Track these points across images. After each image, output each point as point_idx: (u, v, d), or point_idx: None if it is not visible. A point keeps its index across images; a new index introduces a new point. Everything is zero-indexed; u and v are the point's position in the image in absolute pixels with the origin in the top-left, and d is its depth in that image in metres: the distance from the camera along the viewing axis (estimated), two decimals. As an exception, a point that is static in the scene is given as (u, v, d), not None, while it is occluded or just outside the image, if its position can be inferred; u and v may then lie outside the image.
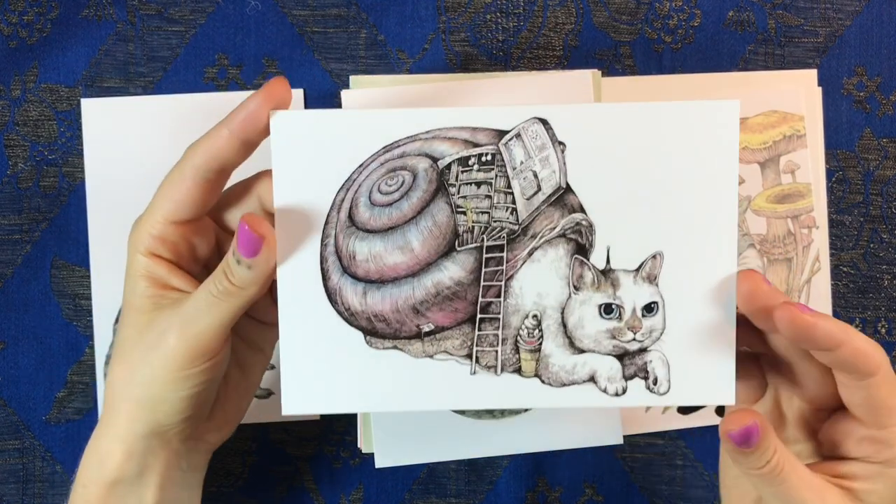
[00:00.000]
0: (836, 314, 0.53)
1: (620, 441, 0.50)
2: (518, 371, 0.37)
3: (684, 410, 0.53)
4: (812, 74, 0.53)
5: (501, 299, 0.37)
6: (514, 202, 0.37)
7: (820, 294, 0.53)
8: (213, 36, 0.53)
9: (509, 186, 0.37)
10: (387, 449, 0.50)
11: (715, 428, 0.53)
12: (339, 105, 0.51)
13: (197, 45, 0.53)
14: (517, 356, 0.37)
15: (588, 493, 0.53)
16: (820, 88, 0.53)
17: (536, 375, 0.37)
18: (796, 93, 0.53)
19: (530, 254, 0.37)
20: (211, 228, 0.42)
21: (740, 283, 0.37)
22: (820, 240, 0.53)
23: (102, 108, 0.52)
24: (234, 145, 0.38)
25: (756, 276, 0.37)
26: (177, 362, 0.39)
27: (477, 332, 0.37)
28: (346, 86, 0.52)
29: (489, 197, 0.37)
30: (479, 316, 0.37)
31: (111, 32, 0.53)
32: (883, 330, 0.54)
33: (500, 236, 0.37)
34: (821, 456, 0.42)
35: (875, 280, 0.54)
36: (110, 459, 0.41)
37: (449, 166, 0.37)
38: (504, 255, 0.37)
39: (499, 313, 0.37)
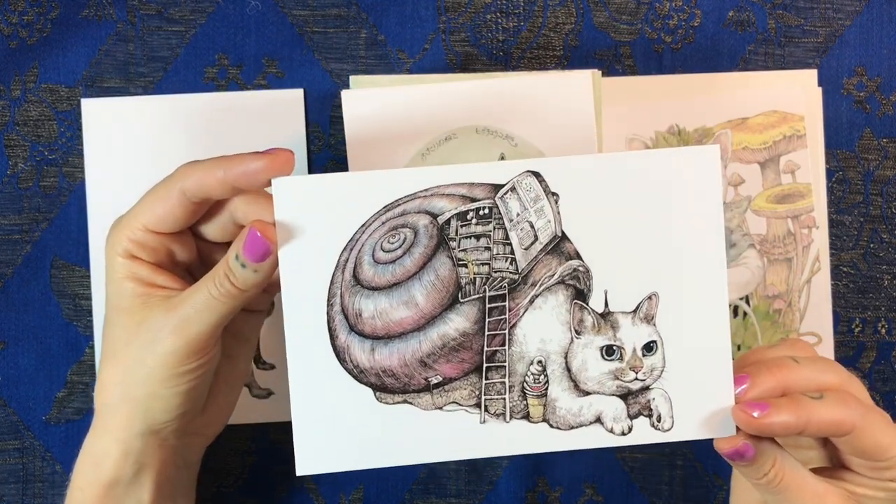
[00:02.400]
0: (836, 314, 0.53)
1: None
2: (526, 417, 0.39)
3: None
4: (812, 74, 0.53)
5: (506, 347, 0.38)
6: (512, 252, 0.38)
7: (820, 294, 0.53)
8: (214, 36, 0.53)
9: (507, 238, 0.38)
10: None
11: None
12: (339, 105, 0.51)
13: (197, 45, 0.53)
14: (524, 402, 0.39)
15: (588, 493, 0.53)
16: (820, 88, 0.53)
17: (544, 420, 0.39)
18: (796, 93, 0.53)
19: (531, 301, 0.38)
20: (190, 236, 0.42)
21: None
22: (820, 240, 0.53)
23: (102, 108, 0.52)
24: (224, 188, 0.39)
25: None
26: (173, 360, 0.39)
27: (484, 381, 0.38)
28: (347, 86, 0.52)
29: (489, 249, 0.38)
30: (485, 365, 0.38)
31: (111, 32, 0.53)
32: (883, 330, 0.54)
33: (501, 286, 0.38)
34: (831, 462, 0.42)
35: (875, 280, 0.54)
36: (107, 460, 0.41)
37: (448, 221, 0.38)
38: (506, 304, 0.38)
39: (504, 361, 0.38)
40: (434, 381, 0.38)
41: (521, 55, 0.53)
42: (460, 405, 0.38)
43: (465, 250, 0.38)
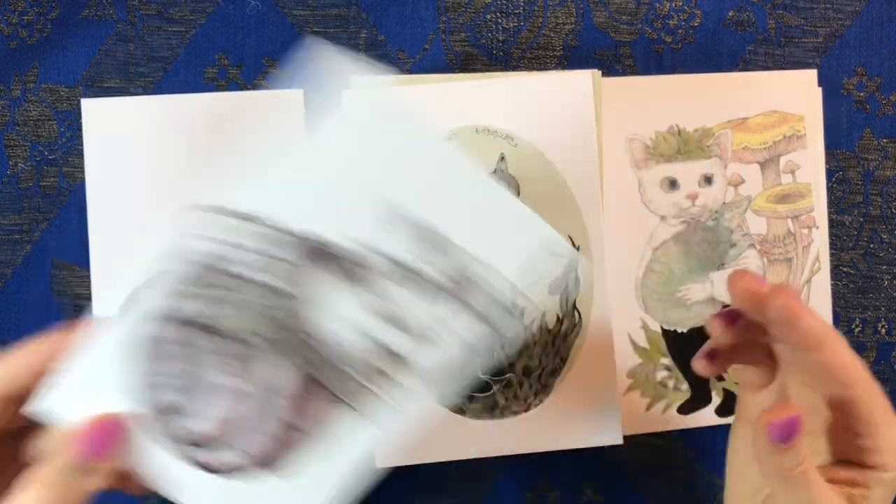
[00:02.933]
0: (835, 314, 0.53)
1: (620, 441, 0.50)
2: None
3: (684, 410, 0.53)
4: (812, 74, 0.53)
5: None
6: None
7: (820, 294, 0.53)
8: (214, 36, 0.53)
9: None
10: (386, 449, 0.50)
11: (714, 428, 0.53)
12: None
13: (197, 46, 0.53)
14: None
15: (588, 493, 0.53)
16: (820, 88, 0.53)
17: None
18: (796, 93, 0.53)
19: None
20: None
21: (734, 281, 0.37)
22: (820, 240, 0.53)
23: (102, 108, 0.52)
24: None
25: (745, 274, 0.37)
26: None
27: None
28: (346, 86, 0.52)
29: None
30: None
31: (111, 32, 0.53)
32: (883, 330, 0.54)
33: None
34: (831, 457, 0.41)
35: (875, 280, 0.54)
36: None
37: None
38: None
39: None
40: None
41: (521, 55, 0.53)
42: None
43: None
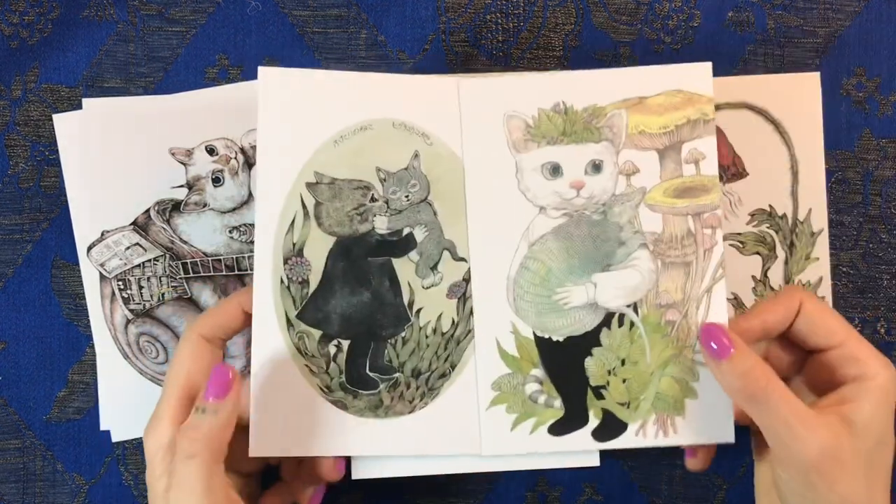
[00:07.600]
0: (835, 314, 0.54)
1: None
2: None
3: (555, 430, 0.48)
4: (814, 77, 0.53)
5: None
6: None
7: (718, 307, 0.47)
8: (214, 36, 0.53)
9: None
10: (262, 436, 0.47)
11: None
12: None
13: (197, 46, 0.53)
14: None
15: (588, 492, 0.53)
16: (819, 89, 0.53)
17: None
18: (705, 73, 0.47)
19: None
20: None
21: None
22: (819, 240, 0.53)
23: (103, 108, 0.52)
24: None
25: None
26: None
27: None
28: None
29: None
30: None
31: (112, 33, 0.53)
32: (882, 330, 0.54)
33: None
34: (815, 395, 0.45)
35: (874, 280, 0.54)
36: None
37: None
38: None
39: None
40: None
41: (521, 55, 0.53)
42: None
43: None
